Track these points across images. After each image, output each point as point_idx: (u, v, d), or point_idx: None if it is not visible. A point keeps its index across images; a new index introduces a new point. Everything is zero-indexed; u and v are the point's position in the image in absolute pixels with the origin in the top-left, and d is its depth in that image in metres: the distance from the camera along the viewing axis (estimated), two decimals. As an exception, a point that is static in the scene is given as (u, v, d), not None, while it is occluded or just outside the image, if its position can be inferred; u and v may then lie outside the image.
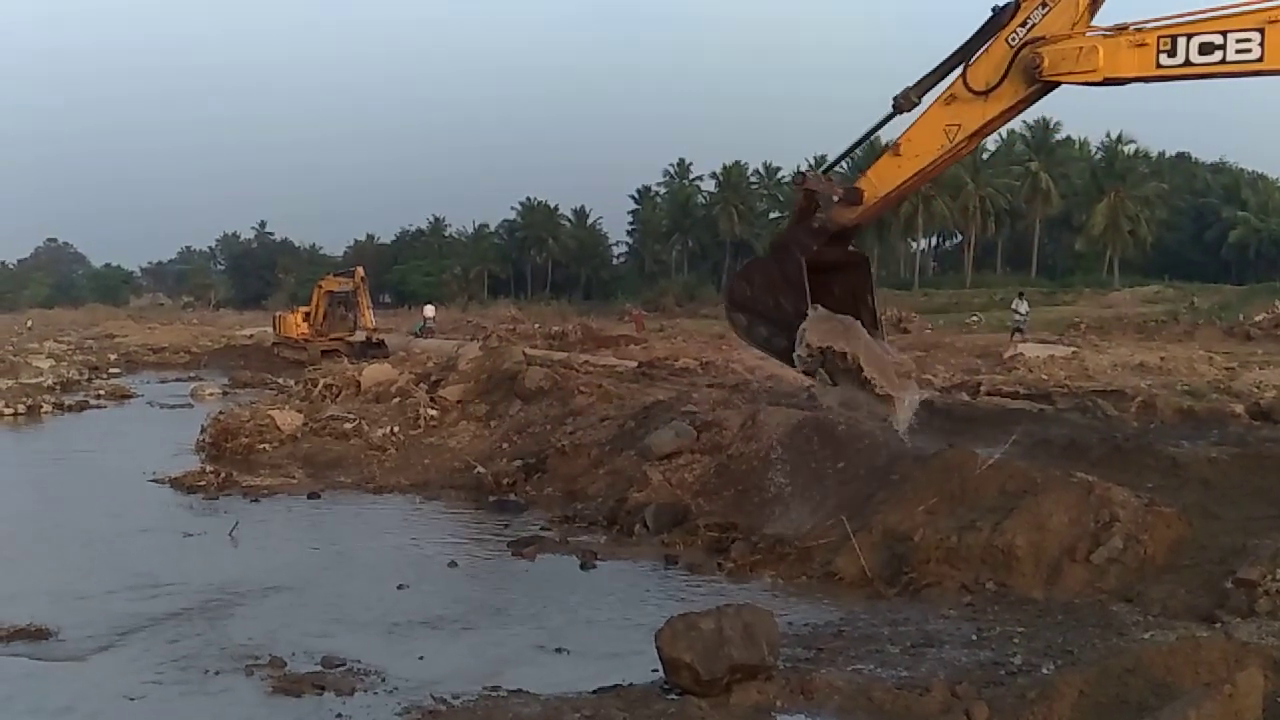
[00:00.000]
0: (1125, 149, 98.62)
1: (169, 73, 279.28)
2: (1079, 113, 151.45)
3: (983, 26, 11.11)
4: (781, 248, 12.49)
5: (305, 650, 9.54)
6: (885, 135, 12.58)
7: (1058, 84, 10.73)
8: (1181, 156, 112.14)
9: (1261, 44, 9.46)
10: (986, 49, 10.98)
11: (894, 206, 13.58)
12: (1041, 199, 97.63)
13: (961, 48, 11.36)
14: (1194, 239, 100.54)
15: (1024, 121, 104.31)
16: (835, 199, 11.77)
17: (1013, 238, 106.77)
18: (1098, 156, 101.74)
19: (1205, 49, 9.56)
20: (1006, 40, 10.80)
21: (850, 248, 13.40)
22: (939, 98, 11.09)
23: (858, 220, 11.77)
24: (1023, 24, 10.66)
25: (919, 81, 11.26)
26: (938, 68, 11.41)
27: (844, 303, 12.88)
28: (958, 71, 11.13)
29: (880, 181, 11.19)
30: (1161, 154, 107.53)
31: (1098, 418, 16.72)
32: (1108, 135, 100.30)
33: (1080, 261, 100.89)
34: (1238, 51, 9.48)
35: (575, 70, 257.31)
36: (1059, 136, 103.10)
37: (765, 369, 27.72)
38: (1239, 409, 17.75)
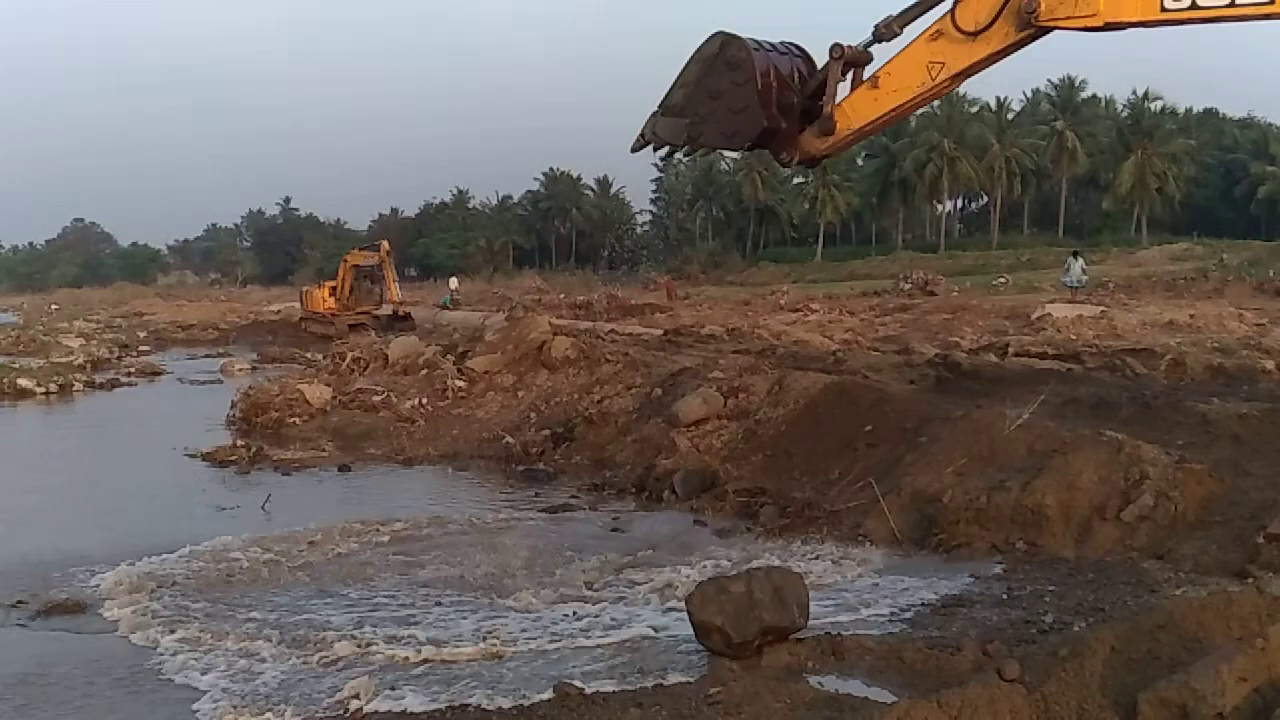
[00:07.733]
0: (1152, 106, 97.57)
1: (193, 54, 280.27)
2: (1104, 70, 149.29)
3: None
4: (764, 105, 10.27)
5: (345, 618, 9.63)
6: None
7: (1052, 29, 9.61)
8: (1209, 112, 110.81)
9: None
10: None
11: (864, 139, 11.94)
12: (1068, 158, 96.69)
13: None
14: (1222, 195, 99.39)
15: (1049, 80, 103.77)
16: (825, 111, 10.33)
17: (1039, 198, 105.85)
18: (1124, 114, 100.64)
19: None
20: None
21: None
22: (924, 32, 10.13)
23: (826, 152, 10.66)
24: None
25: (903, 12, 10.25)
26: None
27: None
28: (946, 5, 10.11)
29: (855, 114, 10.27)
30: (1189, 110, 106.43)
31: (1127, 376, 16.59)
32: (1134, 92, 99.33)
33: (1108, 220, 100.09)
34: None
35: (597, 35, 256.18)
36: (1085, 95, 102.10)
37: (791, 334, 27.70)
38: (1270, 365, 17.57)
